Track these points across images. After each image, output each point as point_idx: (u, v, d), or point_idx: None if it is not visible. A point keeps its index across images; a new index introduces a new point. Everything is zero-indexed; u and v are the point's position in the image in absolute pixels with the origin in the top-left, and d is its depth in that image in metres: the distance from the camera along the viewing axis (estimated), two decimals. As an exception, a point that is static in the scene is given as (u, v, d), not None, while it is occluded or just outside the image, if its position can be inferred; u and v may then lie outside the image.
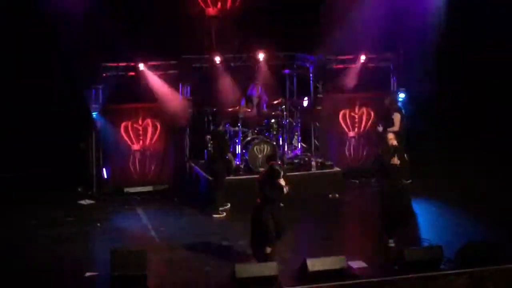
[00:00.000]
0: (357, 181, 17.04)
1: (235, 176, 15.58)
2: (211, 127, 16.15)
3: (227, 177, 15.41)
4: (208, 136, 15.22)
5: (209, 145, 15.08)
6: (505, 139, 18.42)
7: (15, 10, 16.56)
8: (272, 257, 12.01)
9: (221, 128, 15.45)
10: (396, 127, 16.29)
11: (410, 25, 17.49)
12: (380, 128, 16.50)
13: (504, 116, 18.88)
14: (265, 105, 17.04)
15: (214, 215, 14.78)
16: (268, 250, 12.10)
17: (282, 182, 12.07)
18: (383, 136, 15.31)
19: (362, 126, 17.82)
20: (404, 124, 16.50)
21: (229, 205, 15.11)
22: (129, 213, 15.27)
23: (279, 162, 16.06)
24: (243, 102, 16.85)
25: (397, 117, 16.51)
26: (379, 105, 18.02)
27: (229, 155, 15.23)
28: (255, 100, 16.97)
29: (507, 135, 18.46)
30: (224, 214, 14.88)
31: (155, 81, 16.39)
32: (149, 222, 14.60)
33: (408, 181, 15.22)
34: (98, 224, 14.41)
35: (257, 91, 16.99)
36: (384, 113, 16.82)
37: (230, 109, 16.63)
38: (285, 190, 12.10)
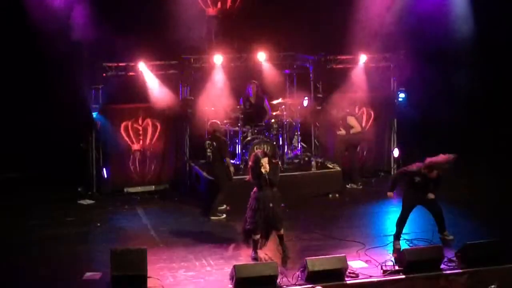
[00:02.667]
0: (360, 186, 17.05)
1: (235, 176, 15.55)
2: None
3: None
4: (208, 141, 15.19)
5: (208, 150, 15.03)
6: (506, 139, 18.43)
7: (13, 9, 16.55)
8: (259, 245, 12.31)
9: (218, 133, 15.36)
10: (356, 128, 16.88)
11: (411, 25, 17.53)
12: (343, 132, 16.97)
13: (505, 115, 18.87)
14: (268, 105, 16.99)
15: (212, 217, 14.77)
16: (256, 237, 12.31)
17: (262, 169, 12.23)
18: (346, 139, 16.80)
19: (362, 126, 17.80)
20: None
21: (225, 205, 15.09)
22: (129, 213, 15.27)
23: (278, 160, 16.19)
24: (241, 102, 16.85)
25: (352, 120, 16.96)
26: (379, 105, 18.09)
27: (227, 160, 15.20)
28: (253, 100, 16.97)
29: (507, 135, 18.47)
30: (224, 216, 14.86)
31: (151, 81, 16.38)
32: (149, 222, 14.60)
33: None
34: (98, 224, 14.41)
35: (253, 90, 16.97)
36: (339, 119, 17.10)
37: (229, 109, 16.64)
38: (264, 172, 12.25)
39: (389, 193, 13.45)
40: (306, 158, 16.98)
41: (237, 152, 16.41)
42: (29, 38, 16.57)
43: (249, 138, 16.41)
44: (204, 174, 15.79)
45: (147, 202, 16.03)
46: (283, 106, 16.85)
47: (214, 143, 15.03)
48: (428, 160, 12.70)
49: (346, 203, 15.90)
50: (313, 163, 16.57)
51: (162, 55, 16.65)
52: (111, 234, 13.82)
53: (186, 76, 16.69)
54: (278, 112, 16.81)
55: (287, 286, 11.38)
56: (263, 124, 16.75)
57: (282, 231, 12.57)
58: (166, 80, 16.56)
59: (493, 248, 12.20)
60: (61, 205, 15.50)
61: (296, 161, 16.97)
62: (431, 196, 12.88)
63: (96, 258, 12.44)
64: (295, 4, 18.08)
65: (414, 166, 12.88)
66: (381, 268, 11.89)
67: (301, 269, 11.56)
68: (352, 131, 16.86)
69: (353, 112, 17.52)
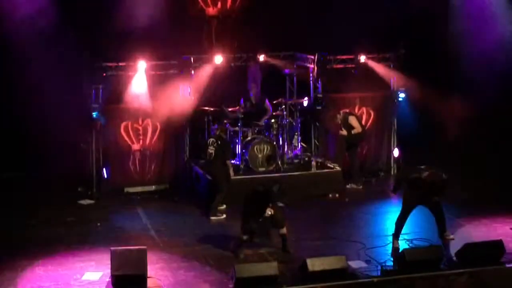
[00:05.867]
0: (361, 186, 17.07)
1: (235, 176, 15.56)
2: (214, 128, 16.16)
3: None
4: (212, 139, 15.19)
5: (210, 147, 15.02)
6: (505, 138, 18.42)
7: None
8: (243, 243, 12.49)
9: (222, 133, 15.38)
10: (357, 129, 16.80)
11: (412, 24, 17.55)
12: (344, 132, 16.88)
13: (504, 115, 18.86)
14: (269, 104, 16.98)
15: (212, 217, 14.77)
16: (244, 237, 12.50)
17: (268, 211, 12.45)
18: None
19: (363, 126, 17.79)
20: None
21: (224, 206, 15.08)
22: (129, 213, 15.27)
23: (279, 163, 16.24)
24: (242, 101, 16.85)
25: (353, 120, 16.91)
26: (379, 105, 18.10)
27: (228, 162, 15.19)
28: (253, 100, 16.98)
29: (507, 134, 18.46)
30: (224, 216, 14.86)
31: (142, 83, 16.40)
32: (149, 222, 14.60)
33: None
34: (98, 224, 14.42)
35: (253, 90, 16.98)
36: (340, 120, 17.04)
37: (230, 109, 16.65)
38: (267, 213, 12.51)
39: (393, 194, 13.53)
40: (306, 158, 16.98)
41: (237, 152, 16.41)
42: (28, 37, 16.59)
43: (249, 138, 16.42)
44: (204, 174, 15.79)
45: (147, 202, 16.03)
46: (283, 106, 16.86)
47: (218, 142, 15.05)
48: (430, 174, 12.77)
49: (346, 203, 15.89)
50: (313, 163, 16.56)
51: (162, 55, 16.63)
52: (111, 234, 13.81)
53: (186, 76, 16.67)
54: (278, 112, 16.82)
55: (287, 286, 11.38)
56: (263, 124, 16.75)
57: (284, 230, 12.62)
58: (166, 80, 16.54)
59: (493, 248, 12.21)
60: (61, 205, 15.51)
61: (296, 161, 16.98)
62: (436, 198, 12.88)
63: (96, 258, 12.44)
64: (295, 4, 18.07)
65: (417, 173, 12.88)
66: (381, 268, 11.90)
67: (301, 269, 11.56)
68: (353, 131, 16.85)
69: (354, 111, 17.54)
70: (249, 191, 12.86)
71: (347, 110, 17.33)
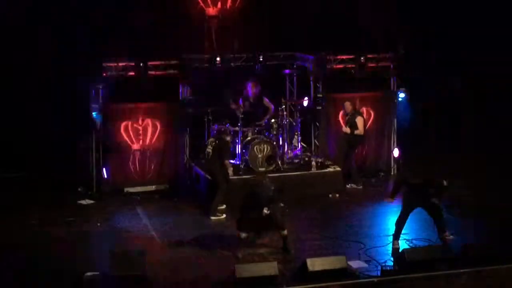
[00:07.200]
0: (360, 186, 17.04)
1: (235, 176, 15.56)
2: (215, 128, 16.16)
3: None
4: (211, 139, 15.20)
5: (208, 147, 15.03)
6: (505, 138, 18.43)
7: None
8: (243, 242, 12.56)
9: (227, 138, 15.38)
10: (360, 131, 16.78)
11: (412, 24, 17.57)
12: (348, 130, 16.90)
13: (503, 115, 18.87)
14: (269, 101, 16.97)
15: (212, 217, 14.77)
16: (243, 235, 12.56)
17: (265, 210, 12.48)
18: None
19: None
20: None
21: (224, 206, 15.08)
22: (129, 213, 15.26)
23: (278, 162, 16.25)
24: (241, 101, 16.85)
25: (360, 121, 16.87)
26: (379, 105, 18.10)
27: (226, 162, 15.17)
28: (252, 99, 16.98)
29: (506, 134, 18.47)
30: (224, 216, 14.86)
31: None
32: (149, 222, 14.60)
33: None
34: (98, 224, 14.42)
35: (252, 90, 16.97)
36: (348, 115, 17.00)
37: (229, 109, 16.65)
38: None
39: (390, 199, 13.48)
40: (306, 158, 16.98)
41: (237, 152, 16.41)
42: (29, 37, 16.60)
43: (249, 138, 16.41)
44: (204, 174, 15.79)
45: (147, 202, 16.02)
46: (283, 106, 16.86)
47: (217, 141, 15.06)
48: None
49: (346, 203, 15.89)
50: (313, 163, 16.56)
51: (162, 55, 16.62)
52: (111, 234, 13.82)
53: (186, 76, 16.67)
54: (278, 112, 16.81)
55: (287, 286, 11.38)
56: (263, 124, 16.76)
57: (285, 232, 12.62)
58: (166, 80, 16.54)
59: (493, 248, 12.21)
60: (61, 205, 15.50)
61: (296, 161, 16.96)
62: (435, 201, 12.87)
63: (96, 258, 12.44)
64: (295, 3, 18.08)
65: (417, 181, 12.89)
66: (381, 268, 11.90)
67: (301, 269, 11.56)
68: (356, 132, 16.81)
69: (362, 112, 17.46)
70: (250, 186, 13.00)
71: (356, 107, 17.16)
